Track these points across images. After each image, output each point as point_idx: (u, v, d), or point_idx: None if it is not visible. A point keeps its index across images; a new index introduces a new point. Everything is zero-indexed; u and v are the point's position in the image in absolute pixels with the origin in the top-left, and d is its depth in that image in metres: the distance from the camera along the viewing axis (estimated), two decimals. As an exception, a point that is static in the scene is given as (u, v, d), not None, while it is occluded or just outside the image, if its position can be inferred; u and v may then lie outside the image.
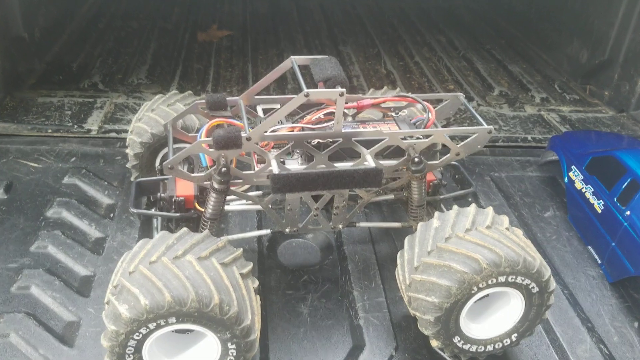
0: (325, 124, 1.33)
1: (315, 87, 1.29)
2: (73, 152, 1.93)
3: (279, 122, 1.36)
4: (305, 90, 1.21)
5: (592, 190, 1.70)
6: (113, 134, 2.07)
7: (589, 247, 1.69)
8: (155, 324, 1.04)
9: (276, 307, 1.42)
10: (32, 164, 1.84)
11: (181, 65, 2.74)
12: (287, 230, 1.43)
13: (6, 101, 2.22)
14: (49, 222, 1.60)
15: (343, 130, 1.31)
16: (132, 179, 1.63)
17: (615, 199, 1.60)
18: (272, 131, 1.31)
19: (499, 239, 1.20)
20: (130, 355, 1.07)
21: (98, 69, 2.60)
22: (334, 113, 1.30)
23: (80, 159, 1.90)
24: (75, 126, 2.09)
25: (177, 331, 1.15)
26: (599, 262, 1.64)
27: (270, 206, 1.39)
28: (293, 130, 1.33)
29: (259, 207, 1.42)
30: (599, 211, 1.65)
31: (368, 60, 2.99)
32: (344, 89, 1.24)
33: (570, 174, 1.83)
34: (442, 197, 1.53)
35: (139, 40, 2.97)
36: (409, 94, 1.44)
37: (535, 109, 2.57)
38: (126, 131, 2.05)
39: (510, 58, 3.13)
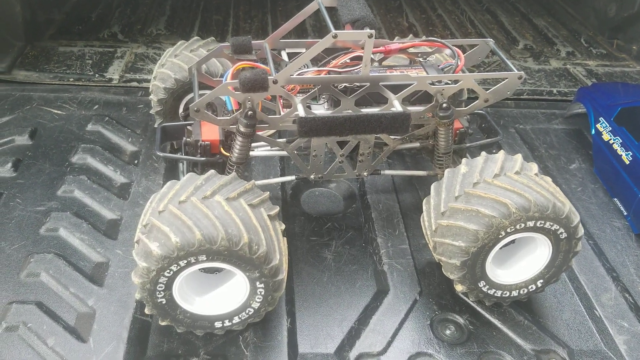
0: (352, 68, 1.31)
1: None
2: (95, 100, 1.93)
3: (305, 66, 1.34)
4: (334, 31, 1.19)
5: (621, 141, 1.67)
6: (134, 83, 2.07)
7: (615, 199, 1.67)
8: (185, 261, 1.05)
9: (300, 253, 1.43)
10: (56, 111, 1.85)
11: (200, 17, 2.70)
12: (312, 176, 1.43)
13: (27, 50, 2.21)
14: (75, 168, 1.61)
15: (371, 75, 1.28)
16: (155, 125, 1.63)
17: (644, 150, 1.58)
18: (299, 74, 1.30)
19: (528, 184, 1.19)
20: (161, 291, 1.09)
21: (117, 20, 2.58)
22: (360, 57, 1.28)
23: (102, 107, 1.90)
24: (97, 75, 2.09)
25: (207, 271, 1.17)
26: (625, 213, 1.62)
27: (295, 152, 1.38)
28: (320, 74, 1.31)
29: (284, 153, 1.42)
30: (627, 162, 1.63)
31: (389, 12, 2.92)
32: (373, 31, 1.21)
33: (598, 125, 1.79)
34: (468, 145, 1.52)
35: (157, -10, 2.93)
36: (438, 39, 1.41)
37: (560, 63, 2.51)
38: (147, 80, 2.05)
39: (536, 11, 3.05)
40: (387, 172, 1.54)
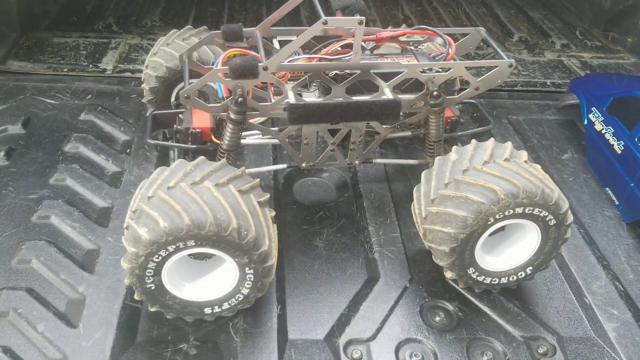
0: (343, 56, 1.31)
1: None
2: (89, 90, 1.93)
3: (295, 53, 1.34)
4: (323, 17, 1.19)
5: (613, 131, 1.67)
6: (128, 74, 2.07)
7: (607, 189, 1.68)
8: (174, 246, 1.06)
9: (292, 241, 1.44)
10: (49, 101, 1.85)
11: (195, 8, 2.70)
12: (304, 165, 1.43)
13: (22, 41, 2.21)
14: (67, 156, 1.62)
15: (361, 62, 1.28)
16: (147, 114, 1.63)
17: (636, 140, 1.58)
18: (290, 62, 1.30)
19: (517, 171, 1.19)
20: (150, 277, 1.09)
21: (112, 11, 2.57)
22: (351, 45, 1.28)
23: (96, 96, 1.90)
24: (91, 65, 2.09)
25: (196, 258, 1.17)
26: (617, 203, 1.62)
27: (286, 140, 1.39)
28: (311, 61, 1.31)
29: (275, 141, 1.42)
30: (619, 152, 1.63)
31: (385, 5, 2.92)
32: (363, 17, 1.21)
33: (590, 115, 1.79)
34: (459, 133, 1.52)
35: (152, -18, 2.92)
36: (429, 27, 1.41)
37: (555, 55, 2.51)
38: (140, 71, 2.04)
39: (531, 4, 3.05)
40: (379, 160, 1.55)
